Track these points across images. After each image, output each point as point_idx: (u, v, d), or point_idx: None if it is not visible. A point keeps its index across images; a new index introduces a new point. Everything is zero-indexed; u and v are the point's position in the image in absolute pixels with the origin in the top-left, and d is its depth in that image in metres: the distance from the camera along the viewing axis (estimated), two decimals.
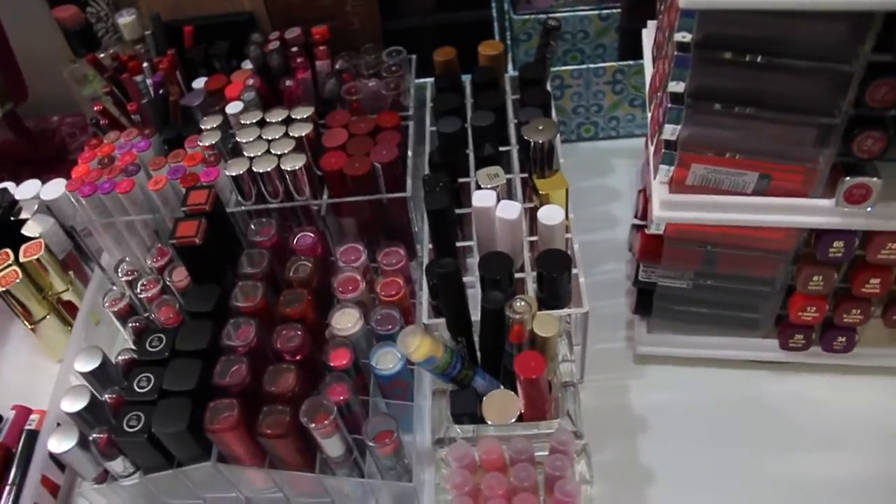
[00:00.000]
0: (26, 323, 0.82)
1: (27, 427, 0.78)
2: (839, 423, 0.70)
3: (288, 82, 0.78)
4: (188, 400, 0.63)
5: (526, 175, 0.75)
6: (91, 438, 0.66)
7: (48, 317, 0.82)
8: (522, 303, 0.61)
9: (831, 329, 0.69)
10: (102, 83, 0.92)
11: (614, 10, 0.87)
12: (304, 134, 0.74)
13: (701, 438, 0.71)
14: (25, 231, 0.82)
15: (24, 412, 0.79)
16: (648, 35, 0.75)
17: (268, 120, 0.76)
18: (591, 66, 0.86)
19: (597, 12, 0.87)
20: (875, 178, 0.57)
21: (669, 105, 0.59)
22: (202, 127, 0.77)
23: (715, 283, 0.69)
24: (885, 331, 0.71)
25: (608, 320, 0.79)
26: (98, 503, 0.73)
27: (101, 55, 0.88)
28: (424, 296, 0.70)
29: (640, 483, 0.69)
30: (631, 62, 0.87)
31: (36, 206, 0.84)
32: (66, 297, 0.84)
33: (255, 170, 0.72)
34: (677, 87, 0.58)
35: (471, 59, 0.83)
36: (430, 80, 0.84)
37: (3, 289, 0.78)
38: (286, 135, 0.74)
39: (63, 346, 0.85)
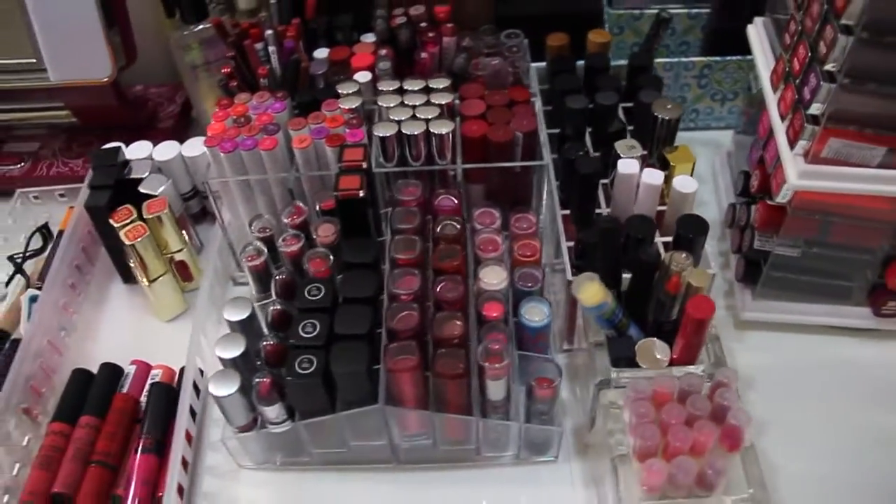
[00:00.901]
0: (144, 280, 0.82)
1: (151, 381, 0.78)
2: None
3: (423, 55, 0.82)
4: (364, 342, 0.66)
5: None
6: (254, 383, 0.68)
7: (165, 275, 0.83)
8: (683, 255, 0.67)
9: None
10: (201, 53, 0.94)
11: (702, 11, 0.95)
12: (445, 102, 0.78)
13: (802, 396, 0.78)
14: (143, 189, 0.83)
15: (144, 366, 0.80)
16: (756, 31, 0.83)
17: (407, 88, 0.80)
18: (683, 59, 0.93)
19: (686, 11, 0.95)
20: None
21: (821, 83, 0.66)
22: (340, 92, 0.80)
23: (822, 251, 0.77)
24: None
25: None
26: (237, 451, 0.74)
27: (208, 24, 0.91)
28: (565, 256, 0.75)
29: (753, 434, 0.75)
30: (717, 58, 0.94)
31: (149, 168, 0.85)
32: (179, 257, 0.85)
33: (404, 132, 0.76)
34: (832, 66, 0.65)
35: (574, 46, 0.90)
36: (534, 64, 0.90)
37: (130, 243, 0.79)
38: (428, 102, 0.78)
39: (174, 305, 0.86)
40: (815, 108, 0.68)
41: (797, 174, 0.70)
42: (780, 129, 0.73)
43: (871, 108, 0.66)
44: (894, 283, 0.76)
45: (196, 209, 0.92)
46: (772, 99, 0.77)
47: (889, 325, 0.80)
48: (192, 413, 0.77)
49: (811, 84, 0.68)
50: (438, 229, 0.75)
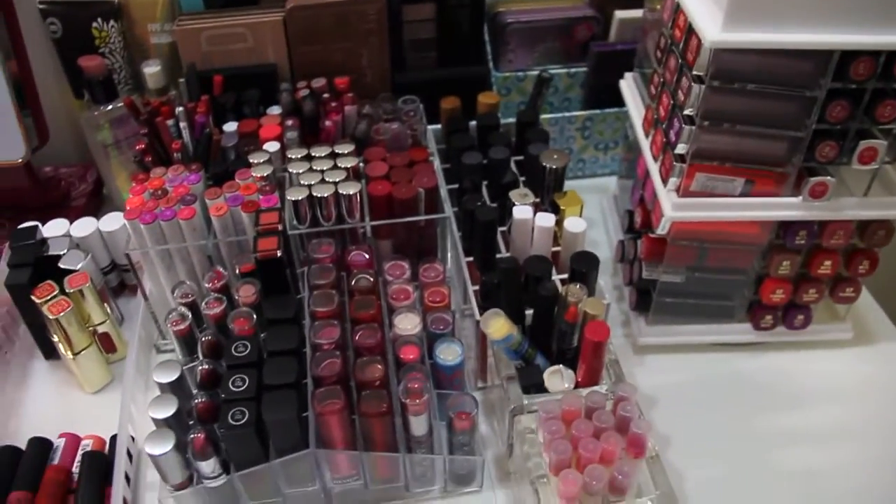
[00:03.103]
0: (69, 353, 0.84)
1: (82, 451, 0.80)
2: (801, 388, 0.87)
3: (327, 123, 0.88)
4: (292, 390, 0.70)
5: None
6: (189, 439, 0.70)
7: (89, 348, 0.85)
8: (578, 287, 0.74)
9: (792, 309, 0.87)
10: (111, 132, 0.98)
11: (580, 69, 1.05)
12: (351, 165, 0.84)
13: (699, 408, 0.86)
14: (63, 264, 0.85)
15: (74, 438, 0.81)
16: (627, 85, 0.93)
17: (314, 154, 0.86)
18: (567, 114, 1.02)
19: (566, 70, 1.05)
20: (831, 178, 0.76)
21: (683, 126, 0.75)
22: (251, 161, 0.85)
23: (703, 275, 0.85)
24: (832, 310, 0.90)
25: None
26: None
27: (118, 104, 0.95)
28: (472, 299, 0.81)
29: (659, 446, 0.82)
30: (598, 111, 1.04)
31: (67, 245, 0.88)
32: (103, 329, 0.87)
33: (315, 195, 0.81)
34: (690, 111, 0.75)
35: (465, 108, 0.98)
36: (430, 126, 0.97)
37: (54, 317, 0.81)
38: (335, 166, 0.84)
39: (100, 377, 0.88)
40: (681, 148, 0.77)
41: (672, 207, 0.78)
42: (654, 169, 0.82)
43: (727, 144, 0.75)
44: (768, 299, 0.85)
45: (115, 283, 0.95)
46: (645, 143, 0.86)
47: (768, 337, 0.89)
48: (127, 478, 0.78)
49: (675, 128, 0.77)
50: (353, 283, 0.80)
